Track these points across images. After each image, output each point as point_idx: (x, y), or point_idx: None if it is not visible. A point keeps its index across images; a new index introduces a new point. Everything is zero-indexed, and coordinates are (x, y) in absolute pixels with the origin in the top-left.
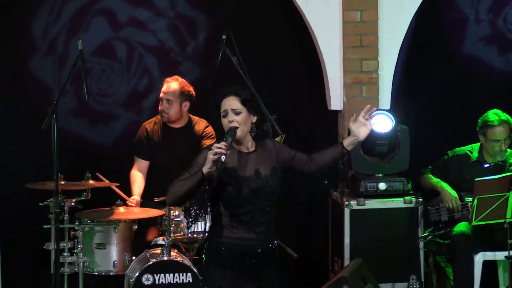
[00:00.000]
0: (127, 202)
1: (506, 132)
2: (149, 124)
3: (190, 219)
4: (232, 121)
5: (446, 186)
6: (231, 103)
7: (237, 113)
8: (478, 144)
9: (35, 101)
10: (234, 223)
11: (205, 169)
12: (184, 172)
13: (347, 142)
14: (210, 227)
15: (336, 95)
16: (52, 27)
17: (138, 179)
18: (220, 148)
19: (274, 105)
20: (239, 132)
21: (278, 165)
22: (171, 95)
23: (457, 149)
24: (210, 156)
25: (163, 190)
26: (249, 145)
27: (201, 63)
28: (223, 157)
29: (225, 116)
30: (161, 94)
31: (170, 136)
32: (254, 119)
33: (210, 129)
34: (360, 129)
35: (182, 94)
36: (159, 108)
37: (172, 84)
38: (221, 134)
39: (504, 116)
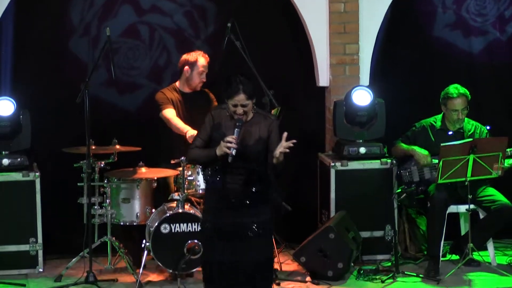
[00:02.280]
0: (189, 137)
1: (464, 103)
2: (167, 91)
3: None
4: (241, 113)
5: (417, 148)
6: (240, 99)
7: (245, 105)
8: (440, 115)
9: (73, 75)
10: (223, 174)
11: (218, 152)
12: (196, 138)
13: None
14: (209, 177)
15: (323, 74)
16: (87, 13)
17: (177, 118)
18: (231, 142)
19: (271, 81)
20: (244, 118)
21: (265, 137)
22: (207, 68)
23: (423, 120)
24: (224, 148)
25: (178, 152)
26: (248, 118)
27: (210, 45)
28: (233, 151)
29: (235, 106)
30: (202, 68)
31: (186, 100)
32: (254, 100)
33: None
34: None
35: None
36: (202, 79)
37: (206, 59)
38: None
39: (463, 89)
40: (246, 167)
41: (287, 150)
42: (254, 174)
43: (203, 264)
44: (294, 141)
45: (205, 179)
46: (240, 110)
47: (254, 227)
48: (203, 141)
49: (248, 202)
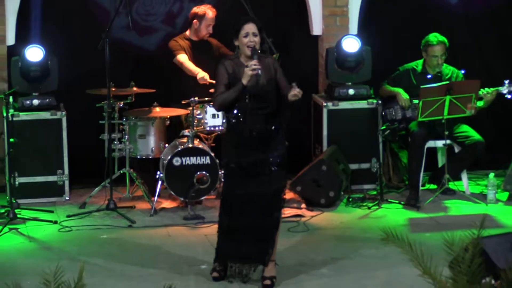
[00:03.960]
0: (199, 78)
1: (442, 50)
2: (179, 40)
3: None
4: (253, 41)
5: (400, 91)
6: (252, 27)
7: (255, 35)
8: (421, 60)
9: (97, 22)
10: (241, 114)
11: (244, 81)
12: (218, 87)
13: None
14: (227, 117)
15: (316, 24)
16: None
17: (190, 62)
18: (256, 64)
19: (270, 30)
20: (258, 47)
21: (273, 77)
22: (214, 20)
23: (406, 65)
24: (249, 72)
25: (188, 93)
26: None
27: None
28: (260, 71)
29: (246, 36)
30: (210, 21)
31: (195, 47)
32: (261, 36)
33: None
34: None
35: None
36: (208, 31)
37: (213, 12)
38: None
39: (441, 38)
40: (263, 107)
41: (296, 98)
42: (272, 113)
43: (223, 199)
44: (300, 91)
45: (229, 122)
46: (252, 38)
47: (271, 161)
48: (225, 86)
49: (267, 139)
